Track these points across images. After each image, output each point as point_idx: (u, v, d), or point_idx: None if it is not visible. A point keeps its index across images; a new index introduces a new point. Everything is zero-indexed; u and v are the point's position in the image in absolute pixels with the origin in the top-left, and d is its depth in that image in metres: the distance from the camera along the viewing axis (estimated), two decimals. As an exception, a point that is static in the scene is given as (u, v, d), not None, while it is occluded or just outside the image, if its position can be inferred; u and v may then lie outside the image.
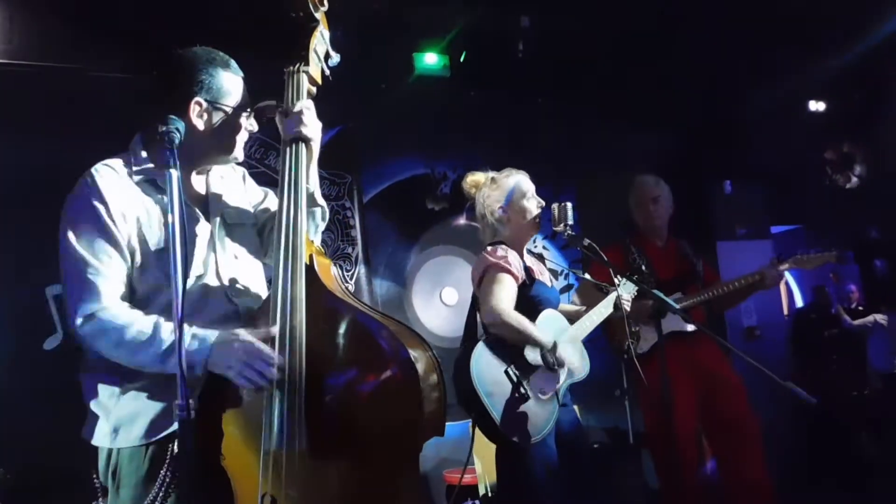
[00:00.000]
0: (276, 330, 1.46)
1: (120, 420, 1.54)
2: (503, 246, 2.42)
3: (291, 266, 1.49)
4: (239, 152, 1.71)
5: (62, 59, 3.43)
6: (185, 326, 1.44)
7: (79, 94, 3.38)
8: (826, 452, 4.53)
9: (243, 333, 1.48)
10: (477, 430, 2.25)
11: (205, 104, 1.60)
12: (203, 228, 1.66)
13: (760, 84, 4.76)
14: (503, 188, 2.50)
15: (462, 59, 4.23)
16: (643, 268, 2.79)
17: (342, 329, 1.47)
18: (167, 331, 1.49)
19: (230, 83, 1.64)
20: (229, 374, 1.45)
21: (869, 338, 5.76)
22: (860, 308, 5.99)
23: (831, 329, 6.10)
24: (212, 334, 1.49)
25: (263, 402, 1.44)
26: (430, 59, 4.19)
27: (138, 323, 1.50)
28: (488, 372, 2.23)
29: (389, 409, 1.40)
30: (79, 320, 1.51)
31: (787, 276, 6.11)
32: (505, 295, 2.32)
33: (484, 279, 2.37)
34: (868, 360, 5.70)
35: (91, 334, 1.51)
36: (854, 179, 6.07)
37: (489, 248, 2.43)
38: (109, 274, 1.53)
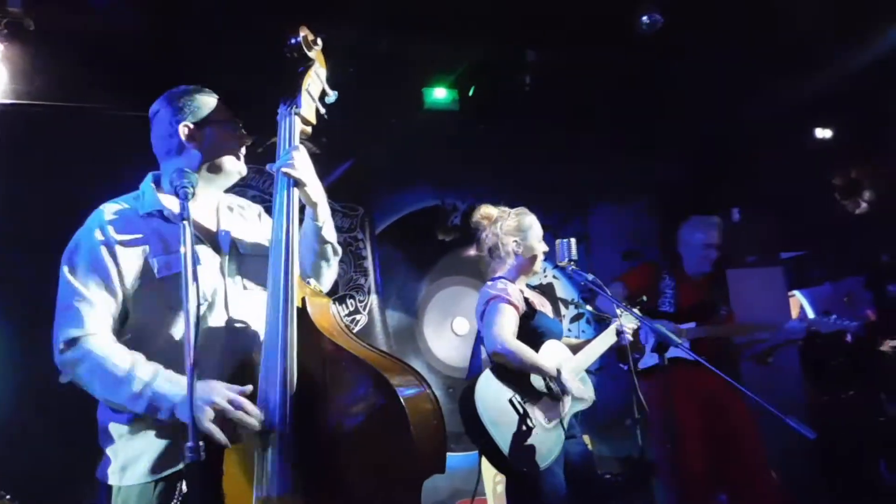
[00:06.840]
0: (249, 389, 1.45)
1: (128, 459, 1.56)
2: (503, 279, 2.53)
3: (283, 309, 1.47)
4: (237, 164, 1.76)
5: (82, 100, 3.52)
6: (160, 368, 1.48)
7: (99, 134, 3.45)
8: (844, 479, 4.46)
9: (217, 384, 1.45)
10: (485, 460, 2.26)
11: (192, 126, 1.70)
12: (212, 261, 1.66)
13: (766, 110, 4.80)
14: (521, 225, 2.60)
15: (470, 93, 4.31)
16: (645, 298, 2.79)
17: (333, 372, 1.47)
18: (143, 370, 1.49)
19: (207, 102, 1.74)
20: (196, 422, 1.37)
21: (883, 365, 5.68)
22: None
23: (839, 356, 6.03)
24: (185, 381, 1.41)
25: (255, 449, 1.42)
26: (440, 94, 4.29)
27: (117, 357, 1.50)
28: (493, 402, 2.27)
29: (382, 450, 1.40)
30: (61, 345, 1.53)
31: (800, 297, 6.09)
32: (507, 323, 2.39)
33: (486, 311, 2.45)
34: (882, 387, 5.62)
35: (72, 361, 1.52)
36: (863, 205, 6.07)
37: (489, 283, 2.54)
38: (96, 302, 1.55)
